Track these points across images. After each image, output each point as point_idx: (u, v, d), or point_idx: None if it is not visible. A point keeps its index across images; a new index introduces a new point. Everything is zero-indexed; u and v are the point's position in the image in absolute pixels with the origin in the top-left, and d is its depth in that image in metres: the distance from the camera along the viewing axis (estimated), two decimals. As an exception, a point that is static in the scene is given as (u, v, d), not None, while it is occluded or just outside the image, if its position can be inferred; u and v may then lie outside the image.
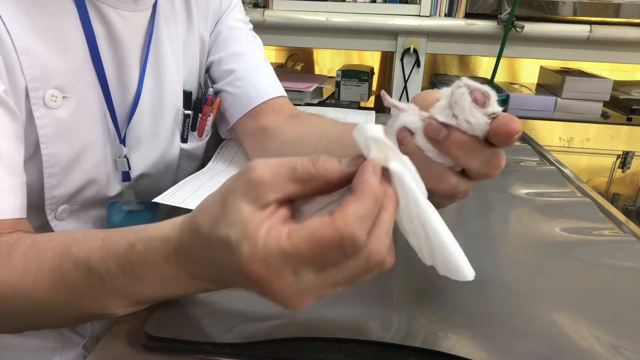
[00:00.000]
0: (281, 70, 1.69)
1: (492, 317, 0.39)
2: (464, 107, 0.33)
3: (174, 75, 0.64)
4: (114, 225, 0.61)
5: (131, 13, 0.57)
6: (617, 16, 1.33)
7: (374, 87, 1.66)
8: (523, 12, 1.33)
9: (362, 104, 1.56)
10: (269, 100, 0.68)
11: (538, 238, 0.52)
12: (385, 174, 0.29)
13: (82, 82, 0.54)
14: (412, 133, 0.35)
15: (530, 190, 0.65)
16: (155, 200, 0.55)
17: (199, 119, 0.69)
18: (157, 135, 0.64)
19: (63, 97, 0.52)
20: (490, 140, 0.33)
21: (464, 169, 0.36)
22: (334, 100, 1.53)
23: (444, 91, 0.35)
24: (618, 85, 1.50)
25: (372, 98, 1.64)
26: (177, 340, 0.35)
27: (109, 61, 0.56)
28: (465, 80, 0.34)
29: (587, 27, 1.34)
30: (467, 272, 0.32)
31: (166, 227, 0.34)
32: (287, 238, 0.27)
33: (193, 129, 0.69)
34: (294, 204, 0.31)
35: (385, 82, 1.76)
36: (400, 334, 0.36)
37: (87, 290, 0.36)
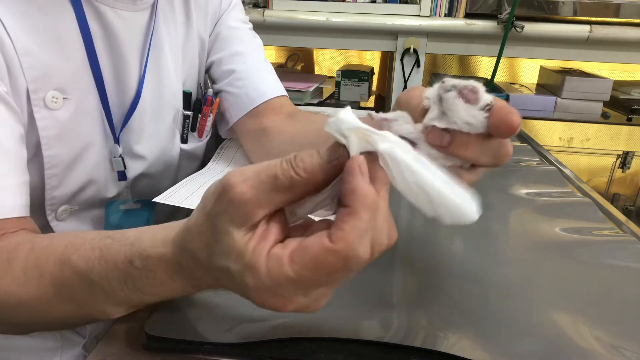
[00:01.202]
0: (281, 70, 1.69)
1: (492, 317, 0.39)
2: (459, 112, 0.32)
3: (173, 75, 0.64)
4: (112, 224, 0.61)
5: (129, 13, 0.57)
6: (617, 16, 1.33)
7: (374, 87, 1.66)
8: (523, 12, 1.33)
9: (362, 104, 1.56)
10: (269, 100, 0.68)
11: (538, 238, 0.52)
12: (370, 155, 0.28)
13: (81, 83, 0.54)
14: (413, 143, 0.34)
15: (530, 190, 0.65)
16: (156, 200, 0.55)
17: (198, 119, 0.69)
18: (156, 136, 0.64)
19: (63, 98, 0.52)
20: (493, 135, 0.33)
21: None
22: (334, 100, 1.53)
23: (430, 92, 0.34)
24: (618, 85, 1.50)
25: (372, 98, 1.64)
26: (177, 340, 0.35)
27: (106, 61, 0.56)
28: (449, 81, 0.33)
29: (587, 27, 1.34)
30: (470, 212, 0.29)
31: (159, 242, 0.33)
32: (289, 264, 0.27)
33: (193, 130, 0.69)
34: (285, 209, 0.30)
35: (385, 82, 1.76)
36: (400, 334, 0.36)
37: (90, 300, 0.36)
